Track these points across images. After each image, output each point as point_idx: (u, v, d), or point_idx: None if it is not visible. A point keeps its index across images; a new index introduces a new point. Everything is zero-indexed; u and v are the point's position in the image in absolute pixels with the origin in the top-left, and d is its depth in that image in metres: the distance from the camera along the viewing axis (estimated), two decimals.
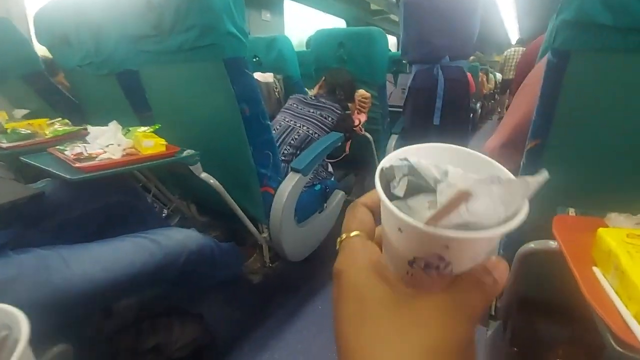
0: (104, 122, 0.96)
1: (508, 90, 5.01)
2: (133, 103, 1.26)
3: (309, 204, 1.32)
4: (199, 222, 1.40)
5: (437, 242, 0.17)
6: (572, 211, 0.50)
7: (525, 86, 0.73)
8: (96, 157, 0.84)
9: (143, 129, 1.01)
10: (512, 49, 5.37)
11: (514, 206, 0.17)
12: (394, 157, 0.20)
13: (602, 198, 0.51)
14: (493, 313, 0.88)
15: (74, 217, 0.86)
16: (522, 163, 0.63)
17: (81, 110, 1.58)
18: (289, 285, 1.46)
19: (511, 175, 0.19)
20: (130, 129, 1.03)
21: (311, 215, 1.35)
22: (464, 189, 0.15)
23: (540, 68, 0.70)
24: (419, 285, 0.20)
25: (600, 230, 0.37)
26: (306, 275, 1.47)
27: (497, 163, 0.21)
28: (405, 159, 0.19)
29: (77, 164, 0.79)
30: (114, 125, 0.94)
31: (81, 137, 0.96)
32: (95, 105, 1.53)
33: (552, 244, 0.53)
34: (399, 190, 0.18)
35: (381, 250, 0.22)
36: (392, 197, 0.19)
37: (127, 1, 0.95)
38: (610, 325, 0.29)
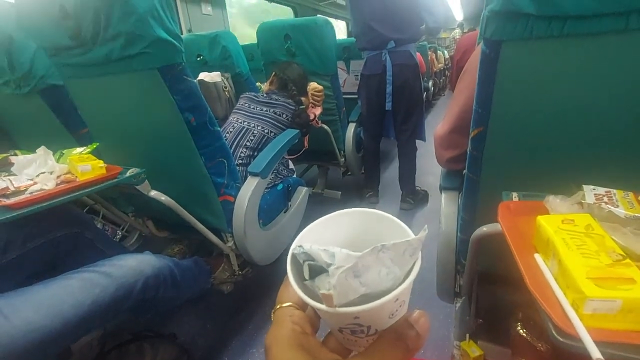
0: (37, 145, 0.87)
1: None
2: (65, 121, 1.15)
3: (272, 205, 1.30)
4: (158, 238, 1.32)
5: (344, 317, 0.19)
6: (515, 195, 0.53)
7: (465, 72, 0.75)
8: (25, 191, 0.76)
9: (79, 150, 0.92)
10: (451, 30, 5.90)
11: (409, 263, 0.19)
12: (297, 242, 0.22)
13: (542, 181, 0.54)
14: (458, 290, 0.93)
15: (10, 261, 0.78)
16: (468, 150, 0.65)
17: (8, 135, 1.41)
18: (262, 289, 1.44)
19: (408, 236, 0.21)
20: (64, 151, 0.93)
21: (276, 216, 1.33)
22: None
23: (477, 55, 0.72)
24: (356, 345, 0.22)
25: (539, 218, 0.39)
26: (279, 277, 1.45)
27: (397, 220, 0.23)
28: (300, 246, 0.21)
29: (3, 202, 0.71)
30: (42, 151, 0.85)
31: (5, 167, 0.86)
32: (23, 128, 1.37)
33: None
34: (306, 273, 0.21)
35: (314, 317, 0.24)
36: (304, 278, 0.21)
37: (40, 8, 0.84)
38: (551, 315, 0.30)
